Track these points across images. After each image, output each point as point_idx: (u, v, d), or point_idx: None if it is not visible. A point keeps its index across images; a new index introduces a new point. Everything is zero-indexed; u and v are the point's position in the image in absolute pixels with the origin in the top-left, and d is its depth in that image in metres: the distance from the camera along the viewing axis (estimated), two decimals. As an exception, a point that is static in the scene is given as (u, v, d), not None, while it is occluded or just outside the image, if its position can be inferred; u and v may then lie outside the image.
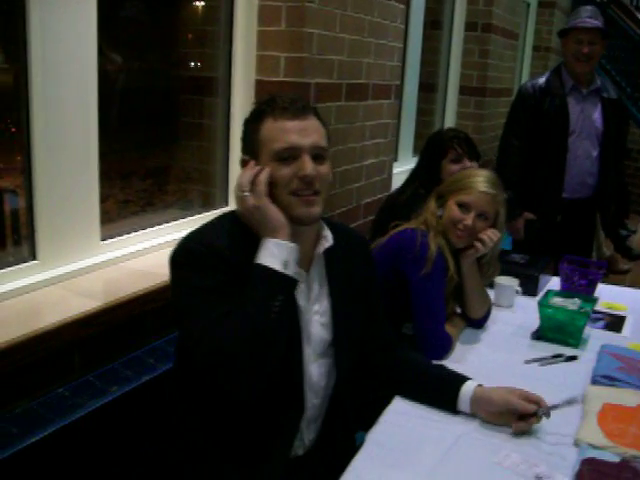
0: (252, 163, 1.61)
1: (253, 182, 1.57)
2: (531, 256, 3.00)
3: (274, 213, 1.56)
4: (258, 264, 1.52)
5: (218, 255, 1.53)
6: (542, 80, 3.77)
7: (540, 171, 3.72)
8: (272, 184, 1.58)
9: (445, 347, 2.16)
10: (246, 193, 1.57)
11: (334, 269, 1.75)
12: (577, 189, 3.75)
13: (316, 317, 1.70)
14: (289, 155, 1.58)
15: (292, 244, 1.55)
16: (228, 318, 1.47)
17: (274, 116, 1.60)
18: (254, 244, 1.56)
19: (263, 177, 1.57)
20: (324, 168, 1.62)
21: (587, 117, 3.69)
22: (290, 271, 1.53)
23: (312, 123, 1.63)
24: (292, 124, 1.59)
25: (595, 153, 3.72)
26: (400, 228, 2.31)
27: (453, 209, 2.25)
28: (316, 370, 1.71)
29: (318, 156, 1.61)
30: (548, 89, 3.71)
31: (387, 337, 1.95)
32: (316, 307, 1.71)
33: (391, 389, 1.89)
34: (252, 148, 1.64)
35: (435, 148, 2.91)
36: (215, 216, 1.73)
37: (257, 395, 1.53)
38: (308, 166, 1.57)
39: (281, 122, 1.59)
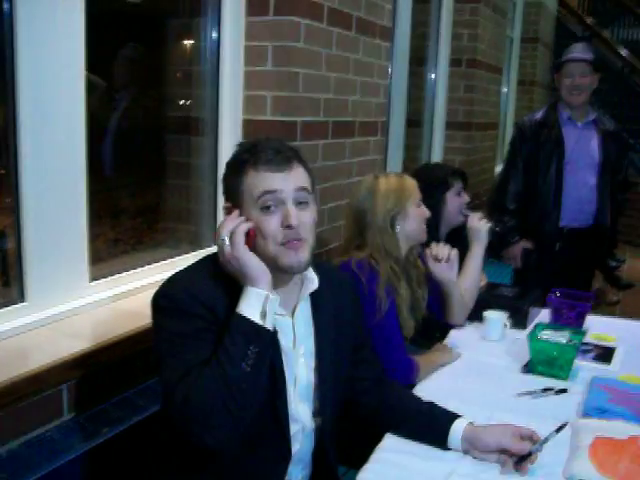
0: (236, 212, 1.60)
1: (232, 232, 1.56)
2: (521, 288, 3.01)
3: (253, 262, 1.55)
4: (236, 313, 1.50)
5: (198, 301, 1.52)
6: (539, 114, 3.92)
7: (538, 200, 3.80)
8: (257, 236, 1.58)
9: (411, 371, 2.22)
10: (226, 243, 1.55)
11: (320, 311, 1.74)
12: (576, 217, 3.82)
13: (302, 360, 1.69)
14: (271, 203, 1.57)
15: (272, 295, 1.53)
16: (201, 368, 1.46)
17: (256, 168, 1.59)
18: (236, 289, 1.55)
19: (242, 227, 1.56)
20: (308, 215, 1.61)
21: (583, 147, 3.78)
22: (268, 322, 1.51)
23: (295, 172, 1.61)
24: (275, 175, 1.58)
25: (592, 182, 3.79)
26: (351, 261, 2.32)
27: (419, 211, 2.40)
28: (304, 411, 1.70)
29: (302, 202, 1.60)
30: (544, 122, 3.84)
31: (376, 376, 1.93)
32: (302, 350, 1.70)
33: (381, 428, 1.87)
34: (235, 196, 1.63)
35: (436, 183, 2.92)
36: (203, 255, 1.74)
37: (235, 443, 1.52)
38: (292, 215, 1.56)
39: (263, 173, 1.58)
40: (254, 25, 2.86)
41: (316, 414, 1.74)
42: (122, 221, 2.91)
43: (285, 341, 1.65)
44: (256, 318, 1.49)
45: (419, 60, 5.54)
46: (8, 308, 2.05)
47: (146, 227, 3.02)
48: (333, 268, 2.03)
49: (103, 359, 2.00)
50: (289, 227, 1.56)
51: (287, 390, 1.64)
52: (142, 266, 2.60)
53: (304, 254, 1.60)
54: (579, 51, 3.81)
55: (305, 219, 1.60)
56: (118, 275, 2.47)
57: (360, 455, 1.77)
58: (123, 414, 1.96)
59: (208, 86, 2.96)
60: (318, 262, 1.84)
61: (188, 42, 3.16)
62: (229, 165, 1.68)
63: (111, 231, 2.80)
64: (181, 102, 3.21)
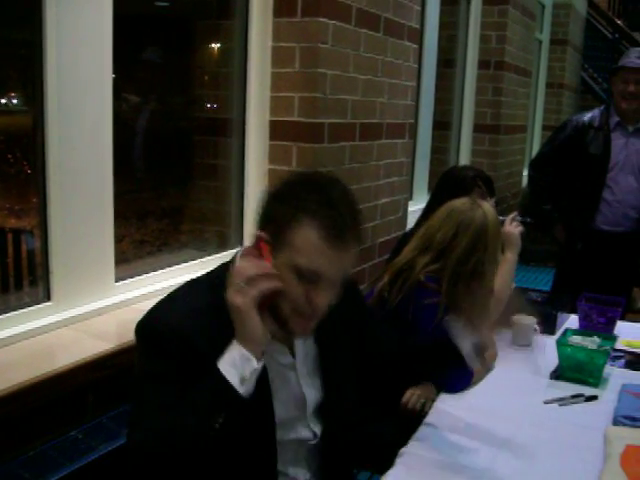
0: (268, 260, 1.40)
1: (253, 279, 1.35)
2: (549, 294, 2.98)
3: (254, 326, 1.35)
4: (215, 367, 1.35)
5: (180, 337, 1.40)
6: (588, 115, 3.89)
7: (573, 200, 3.86)
8: (279, 292, 1.39)
9: (470, 376, 2.13)
10: (241, 285, 1.34)
11: (321, 326, 1.57)
12: (620, 222, 3.81)
13: (307, 379, 1.60)
14: (310, 278, 1.39)
15: (258, 366, 1.36)
16: (167, 412, 1.35)
17: (319, 233, 1.36)
18: (228, 325, 1.37)
19: (265, 286, 1.35)
20: (333, 294, 1.45)
21: (632, 153, 3.76)
22: (244, 390, 1.34)
23: (351, 254, 1.42)
24: (333, 254, 1.38)
25: (638, 188, 3.78)
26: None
27: None
28: (317, 428, 1.62)
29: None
30: (592, 123, 3.82)
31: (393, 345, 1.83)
32: (304, 369, 1.59)
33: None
34: (276, 236, 1.40)
35: (458, 187, 2.88)
36: (223, 261, 1.60)
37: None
38: (324, 300, 1.41)
39: (323, 243, 1.36)
40: (281, 26, 2.85)
41: (327, 432, 1.65)
42: (148, 222, 2.92)
43: (283, 364, 1.56)
44: (234, 382, 1.34)
45: (447, 62, 5.51)
46: (34, 307, 2.06)
47: (172, 228, 3.03)
48: None
49: (127, 360, 2.00)
50: (315, 307, 1.40)
51: (275, 417, 1.53)
52: (167, 267, 2.60)
53: (314, 324, 1.47)
54: (636, 56, 3.75)
55: (333, 299, 1.45)
56: (143, 276, 2.47)
57: (383, 459, 1.75)
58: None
59: (235, 87, 2.96)
60: None
61: (216, 44, 3.16)
62: (282, 193, 1.45)
63: (137, 232, 2.81)
64: (208, 104, 3.21)
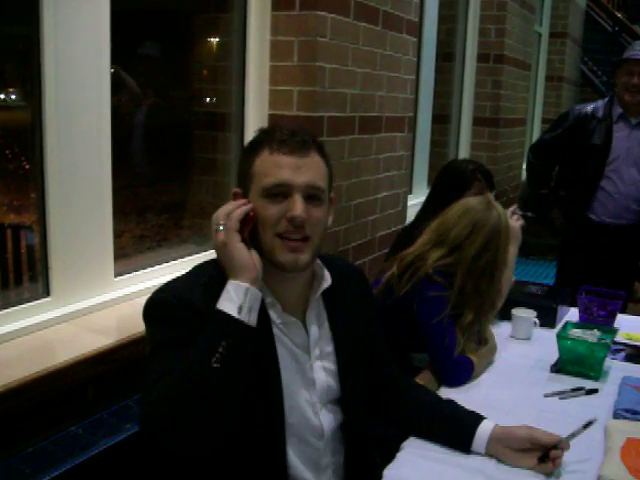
0: (239, 198, 1.51)
1: (229, 216, 1.45)
2: (549, 287, 2.97)
3: (240, 253, 1.43)
4: (214, 309, 1.39)
5: (188, 307, 1.42)
6: (591, 106, 3.90)
7: (571, 189, 3.92)
8: (257, 223, 1.47)
9: (470, 369, 2.15)
10: (220, 227, 1.44)
11: (335, 310, 1.64)
12: (622, 214, 3.83)
13: (318, 363, 1.60)
14: (279, 192, 1.45)
15: (253, 289, 1.41)
16: (173, 371, 1.34)
17: (271, 149, 1.47)
18: None
19: (238, 212, 1.45)
20: (318, 211, 1.49)
21: (635, 145, 3.77)
22: (244, 316, 1.38)
23: (311, 160, 1.49)
24: (288, 160, 1.46)
25: None
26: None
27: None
28: (325, 417, 1.61)
29: (313, 197, 1.48)
30: (595, 114, 3.82)
31: (393, 375, 1.86)
32: (317, 352, 1.60)
33: (400, 429, 1.81)
34: (244, 180, 1.52)
35: (457, 181, 2.88)
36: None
37: (213, 452, 1.42)
38: (298, 207, 1.43)
39: (277, 156, 1.46)
40: (280, 20, 2.85)
41: (343, 417, 1.65)
42: (148, 217, 2.91)
43: (296, 344, 1.56)
44: (232, 311, 1.37)
45: (446, 55, 5.50)
46: (33, 303, 2.06)
47: (172, 223, 3.02)
48: (345, 263, 1.90)
49: (127, 355, 2.00)
50: (293, 219, 1.44)
51: (284, 400, 1.52)
52: (167, 262, 2.60)
53: (305, 256, 1.48)
54: None
55: (315, 214, 1.48)
56: (143, 271, 2.47)
57: (384, 453, 1.75)
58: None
59: (234, 82, 2.95)
60: (329, 257, 1.73)
61: (214, 37, 3.16)
62: (244, 148, 1.60)
63: (136, 227, 2.80)
64: (207, 98, 3.20)
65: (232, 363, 1.35)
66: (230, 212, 1.45)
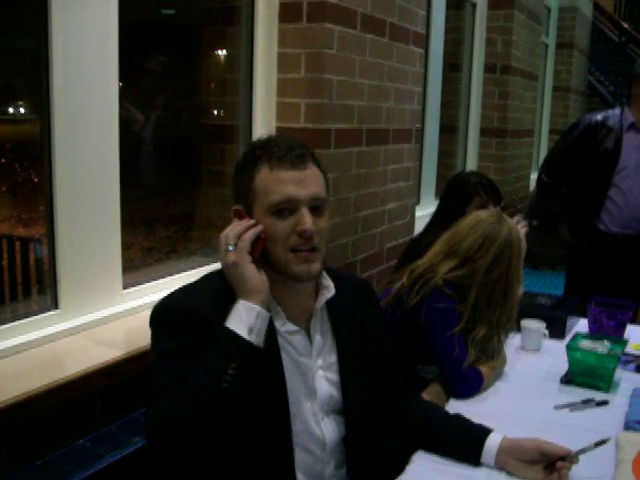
0: (247, 218, 1.51)
1: (240, 237, 1.46)
2: (558, 298, 2.96)
3: (252, 274, 1.45)
4: (223, 326, 1.41)
5: (194, 316, 1.44)
6: (601, 114, 3.88)
7: (579, 198, 3.88)
8: (268, 240, 1.48)
9: (479, 381, 2.14)
10: (230, 247, 1.46)
11: (339, 320, 1.65)
12: (630, 225, 3.80)
13: (320, 372, 1.61)
14: (286, 208, 1.47)
15: (264, 312, 1.44)
16: (180, 382, 1.35)
17: (270, 165, 1.49)
18: None
19: (250, 234, 1.46)
20: (323, 221, 1.52)
21: None
22: (254, 338, 1.40)
23: (311, 172, 1.52)
24: (290, 175, 1.48)
25: None
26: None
27: None
28: (328, 427, 1.62)
29: (317, 207, 1.51)
30: (605, 122, 3.80)
31: (399, 387, 1.84)
32: (319, 362, 1.61)
33: (407, 443, 1.79)
34: (245, 197, 1.53)
35: (459, 194, 2.88)
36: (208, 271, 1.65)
37: (217, 461, 1.43)
38: (307, 221, 1.46)
39: (277, 172, 1.48)
40: (287, 32, 2.85)
41: (345, 429, 1.65)
42: (156, 229, 2.92)
43: (299, 353, 1.57)
44: (243, 332, 1.39)
45: (453, 66, 5.50)
46: (41, 316, 2.06)
47: (180, 235, 3.03)
48: (350, 275, 1.93)
49: (135, 367, 2.00)
50: (303, 233, 1.46)
51: (290, 409, 1.54)
52: (176, 274, 2.60)
53: (316, 265, 1.51)
54: None
55: (321, 224, 1.51)
56: (151, 283, 2.47)
57: (393, 466, 1.73)
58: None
59: (241, 94, 2.96)
60: (333, 269, 1.74)
61: (221, 50, 3.17)
62: (239, 164, 1.57)
63: (145, 239, 2.81)
64: (215, 110, 3.21)
65: (240, 383, 1.37)
66: (241, 233, 1.47)
